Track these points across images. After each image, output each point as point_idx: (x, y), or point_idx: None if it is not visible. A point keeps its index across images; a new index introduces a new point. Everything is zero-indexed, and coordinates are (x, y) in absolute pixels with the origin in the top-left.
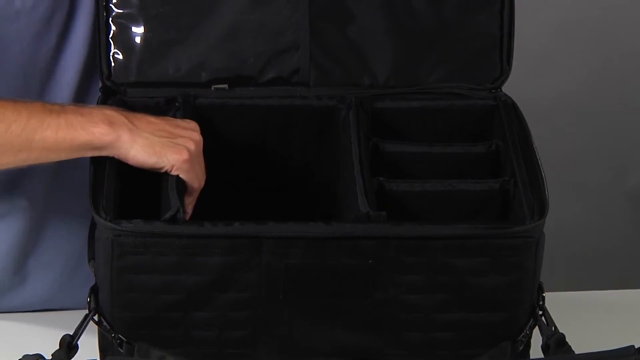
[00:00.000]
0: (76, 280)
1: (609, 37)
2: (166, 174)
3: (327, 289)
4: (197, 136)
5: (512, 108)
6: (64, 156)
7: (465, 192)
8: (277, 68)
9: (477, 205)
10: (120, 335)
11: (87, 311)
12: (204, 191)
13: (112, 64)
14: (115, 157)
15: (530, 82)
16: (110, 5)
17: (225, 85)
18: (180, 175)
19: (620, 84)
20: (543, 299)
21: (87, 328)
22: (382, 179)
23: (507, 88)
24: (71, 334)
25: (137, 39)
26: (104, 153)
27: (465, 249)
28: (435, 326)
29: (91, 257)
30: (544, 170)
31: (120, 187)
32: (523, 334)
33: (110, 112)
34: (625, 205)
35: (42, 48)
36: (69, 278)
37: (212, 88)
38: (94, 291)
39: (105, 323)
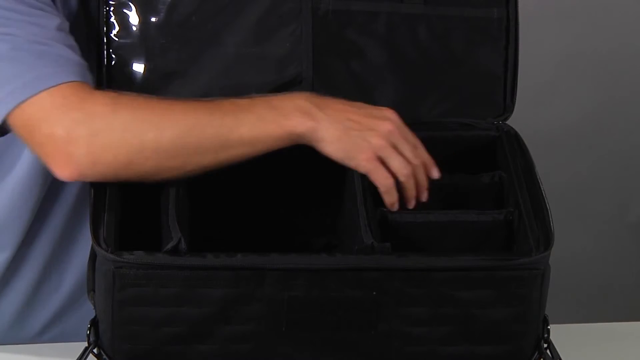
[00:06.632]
0: (75, 311)
1: (612, 69)
2: (166, 203)
3: (330, 321)
4: (386, 126)
5: (515, 139)
6: (262, 150)
7: (469, 224)
8: None
9: (481, 236)
10: None
11: (86, 344)
12: (205, 221)
13: None
14: (310, 145)
15: (533, 113)
16: (111, 36)
17: None
18: (368, 175)
19: (623, 115)
20: (548, 331)
21: None
22: (385, 209)
23: (510, 119)
24: None
25: (138, 71)
26: (299, 142)
27: (470, 281)
28: (439, 359)
29: (91, 288)
30: (548, 201)
31: (121, 217)
32: None
33: (301, 102)
34: (629, 236)
35: None
36: (69, 309)
37: None
38: (94, 324)
39: (105, 356)
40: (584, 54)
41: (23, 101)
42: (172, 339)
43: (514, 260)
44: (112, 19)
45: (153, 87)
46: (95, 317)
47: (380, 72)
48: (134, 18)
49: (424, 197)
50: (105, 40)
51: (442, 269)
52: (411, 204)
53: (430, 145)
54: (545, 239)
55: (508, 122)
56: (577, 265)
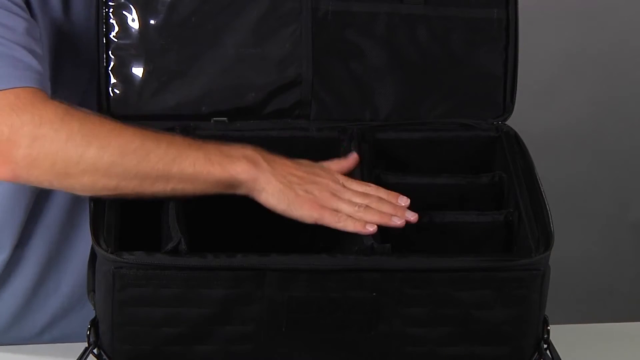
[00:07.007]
0: (76, 312)
1: (612, 69)
2: (167, 205)
3: (330, 322)
4: (328, 180)
5: (514, 139)
6: (199, 190)
7: (469, 224)
8: (279, 101)
9: (481, 237)
10: None
11: (86, 344)
12: (205, 222)
13: (111, 96)
14: (249, 196)
15: (533, 113)
16: (111, 36)
17: (225, 119)
18: (319, 223)
19: (623, 115)
20: (548, 332)
21: None
22: None
23: (509, 119)
24: None
25: (137, 72)
26: (238, 191)
27: (470, 282)
28: (439, 359)
29: (91, 289)
30: (548, 201)
31: (121, 219)
32: None
33: (249, 152)
34: (630, 236)
35: None
36: (69, 310)
37: (212, 121)
38: (94, 324)
39: (105, 357)
40: (584, 54)
41: None
42: (172, 340)
43: (514, 261)
44: (112, 20)
45: (153, 88)
46: (95, 317)
47: (380, 73)
48: (133, 19)
49: (411, 217)
50: (104, 41)
51: (442, 269)
52: (396, 225)
53: (430, 145)
54: (545, 240)
55: (508, 122)
56: (577, 265)
